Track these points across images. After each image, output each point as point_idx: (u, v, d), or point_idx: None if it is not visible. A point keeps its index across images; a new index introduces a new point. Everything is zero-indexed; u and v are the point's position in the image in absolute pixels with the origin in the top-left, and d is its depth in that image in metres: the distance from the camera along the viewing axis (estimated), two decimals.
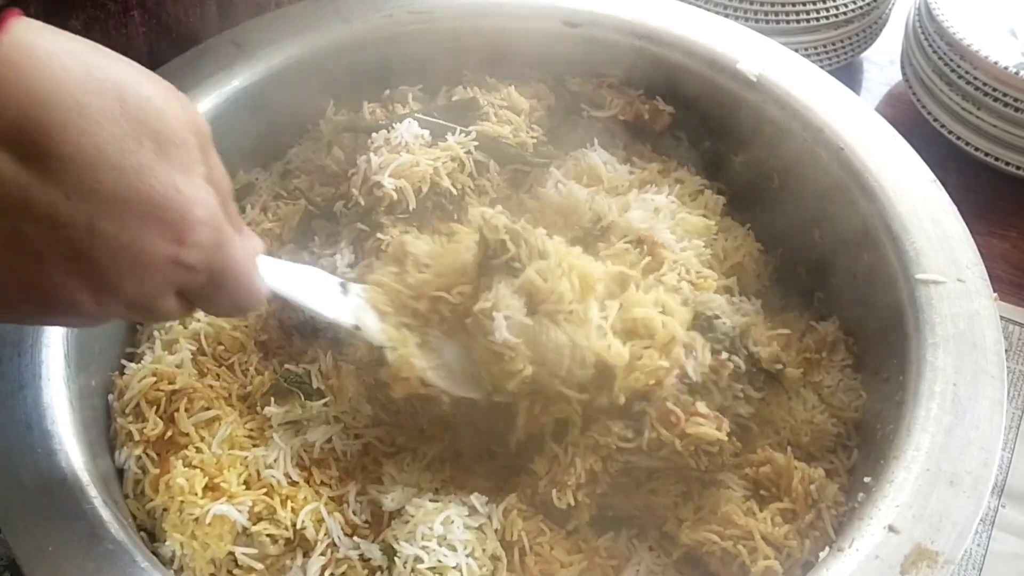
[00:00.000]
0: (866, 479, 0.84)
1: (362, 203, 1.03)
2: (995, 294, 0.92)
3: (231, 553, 0.88)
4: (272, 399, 0.97)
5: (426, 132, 1.07)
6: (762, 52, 1.13)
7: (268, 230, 1.09)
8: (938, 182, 1.00)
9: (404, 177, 1.03)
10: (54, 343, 0.89)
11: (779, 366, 0.98)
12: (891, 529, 0.75)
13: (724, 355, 0.94)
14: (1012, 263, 1.44)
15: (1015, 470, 1.22)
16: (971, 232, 1.46)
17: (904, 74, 1.61)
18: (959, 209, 1.49)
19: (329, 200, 1.09)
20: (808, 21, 1.56)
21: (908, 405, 0.84)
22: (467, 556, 0.85)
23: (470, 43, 1.19)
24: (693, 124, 1.21)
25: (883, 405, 0.92)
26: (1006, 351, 1.32)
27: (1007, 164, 1.48)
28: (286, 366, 1.00)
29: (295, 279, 0.87)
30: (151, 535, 0.90)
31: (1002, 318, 1.37)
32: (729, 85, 1.13)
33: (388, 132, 1.07)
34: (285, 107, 1.15)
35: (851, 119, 1.06)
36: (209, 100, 1.09)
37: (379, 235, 1.02)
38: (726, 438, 0.89)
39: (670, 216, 1.09)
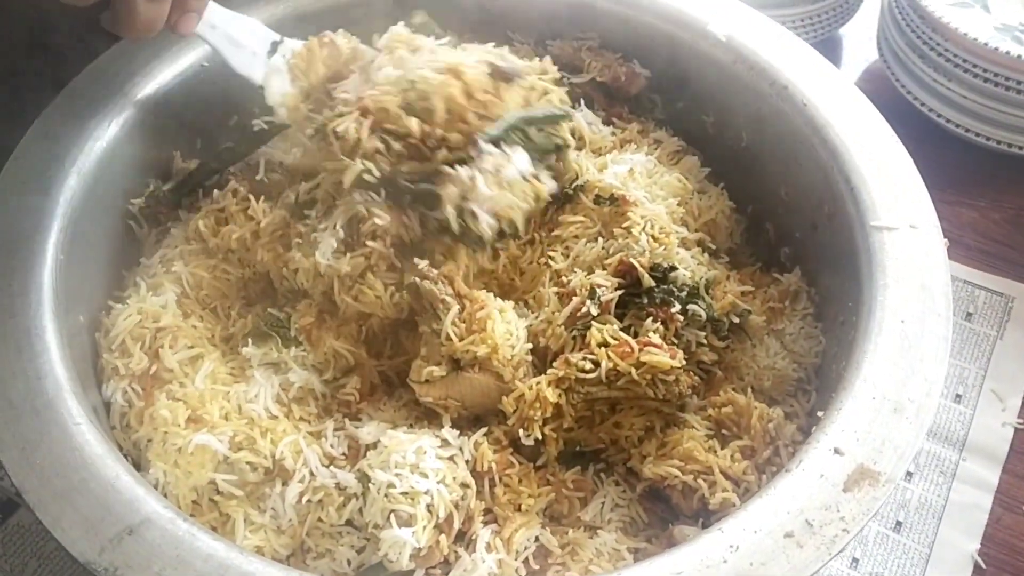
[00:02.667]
0: (819, 413, 0.87)
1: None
2: (946, 240, 0.96)
3: (212, 481, 0.92)
4: (251, 340, 1.00)
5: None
6: (731, 14, 1.17)
7: None
8: (896, 136, 1.04)
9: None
10: (43, 279, 0.93)
11: (736, 317, 1.02)
12: (836, 451, 0.79)
13: (677, 306, 0.98)
14: (980, 231, 1.48)
15: (976, 426, 1.26)
16: (942, 201, 1.49)
17: (880, 50, 1.65)
18: (932, 180, 1.54)
19: None
20: None
21: (858, 342, 0.88)
22: (438, 483, 0.88)
23: (451, 5, 1.22)
24: (667, 86, 1.25)
25: (838, 347, 0.96)
26: (971, 314, 1.38)
27: (978, 135, 1.52)
28: (269, 310, 1.04)
29: (229, 27, 0.97)
30: (137, 465, 0.94)
31: (968, 283, 1.42)
32: (700, 46, 1.17)
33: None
34: None
35: (815, 76, 1.10)
36: (196, 53, 1.13)
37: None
38: (680, 366, 0.93)
39: (647, 175, 1.14)
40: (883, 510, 1.18)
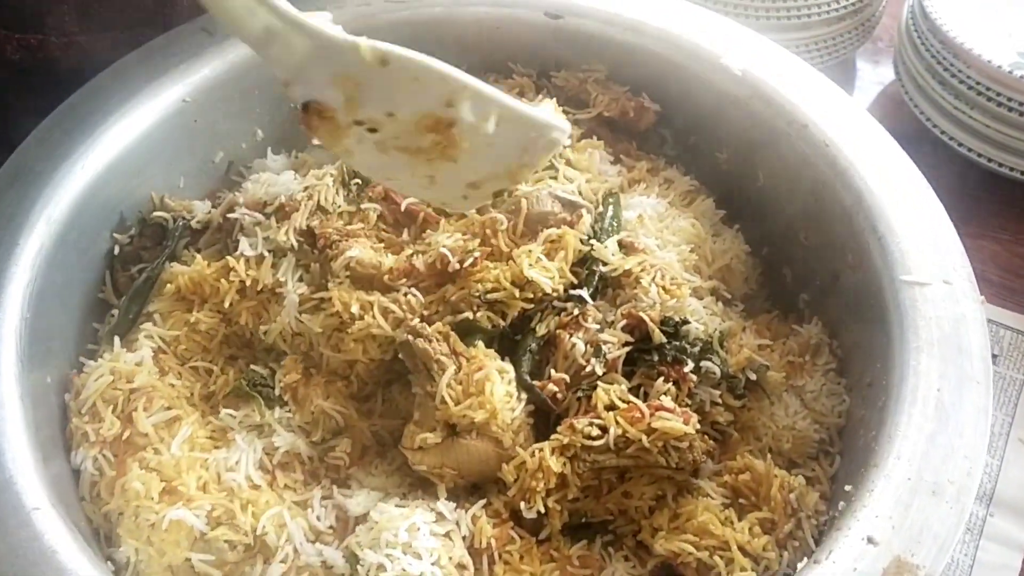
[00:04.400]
0: (847, 487, 0.81)
1: None
2: (982, 297, 0.89)
3: (188, 560, 0.85)
4: (232, 403, 0.94)
5: None
6: (747, 46, 1.11)
7: None
8: (926, 181, 0.97)
9: None
10: (6, 340, 0.86)
11: (752, 373, 0.96)
12: (870, 540, 0.73)
13: (690, 364, 0.91)
14: (1002, 266, 1.41)
15: (1004, 478, 1.19)
16: (962, 234, 1.43)
17: (897, 73, 1.58)
18: (950, 210, 1.47)
19: None
20: (800, 18, 1.54)
21: (890, 411, 0.81)
22: (432, 564, 0.82)
23: (451, 33, 1.16)
24: (678, 121, 1.18)
25: (866, 411, 0.89)
26: (996, 356, 1.31)
27: (1000, 165, 1.45)
28: (251, 367, 0.97)
29: None
30: (107, 538, 0.87)
31: (992, 322, 1.34)
32: (713, 80, 1.11)
33: None
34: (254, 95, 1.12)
35: (837, 115, 1.03)
36: (178, 89, 1.06)
37: None
38: (694, 432, 0.86)
39: (657, 219, 1.07)
40: None
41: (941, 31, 1.41)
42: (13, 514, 0.75)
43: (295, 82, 0.77)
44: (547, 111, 0.84)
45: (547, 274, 0.97)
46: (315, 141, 0.86)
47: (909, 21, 1.52)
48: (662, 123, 1.18)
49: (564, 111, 1.06)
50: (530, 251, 0.98)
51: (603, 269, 0.99)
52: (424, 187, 0.83)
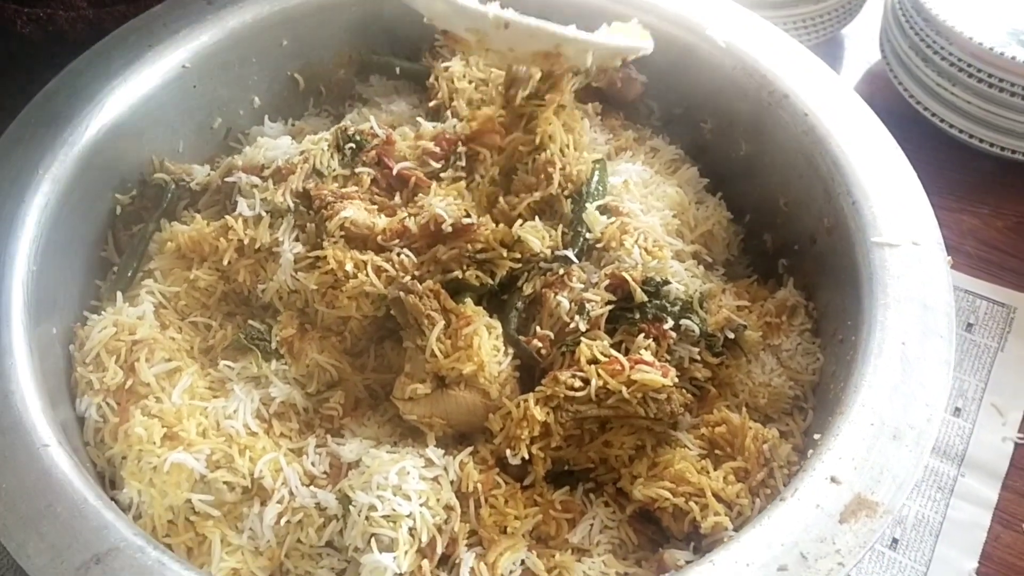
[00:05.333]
0: (816, 436, 0.85)
1: None
2: (949, 258, 0.93)
3: (189, 501, 0.89)
4: (230, 355, 0.98)
5: None
6: (732, 19, 1.14)
7: None
8: (900, 149, 1.01)
9: None
10: (14, 290, 0.90)
11: (731, 332, 1.00)
12: (833, 480, 0.77)
13: (670, 322, 0.95)
14: (981, 239, 1.45)
15: (976, 441, 1.24)
16: (943, 208, 1.46)
17: (882, 51, 1.61)
18: (932, 185, 1.50)
19: None
20: None
21: (857, 363, 0.85)
22: (421, 505, 0.86)
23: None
24: (664, 93, 1.22)
25: (837, 366, 0.93)
26: (971, 325, 1.35)
27: (980, 141, 1.48)
28: (249, 322, 1.01)
29: None
30: (111, 482, 0.91)
31: (969, 292, 1.38)
32: (699, 51, 1.14)
33: None
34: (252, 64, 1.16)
35: (817, 86, 1.07)
36: (178, 55, 1.10)
37: None
38: (672, 385, 0.90)
39: (643, 185, 1.11)
40: None
41: (925, 9, 1.44)
42: (23, 450, 0.78)
43: (436, 21, 1.01)
44: (633, 33, 1.08)
45: (537, 234, 1.01)
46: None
47: (895, 0, 1.56)
48: (649, 94, 1.22)
49: None
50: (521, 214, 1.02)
51: (588, 236, 1.03)
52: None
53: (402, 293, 0.95)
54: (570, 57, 1.01)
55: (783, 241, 1.12)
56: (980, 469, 1.21)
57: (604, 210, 1.05)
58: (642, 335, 0.95)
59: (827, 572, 0.71)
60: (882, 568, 1.13)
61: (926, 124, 1.52)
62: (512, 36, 0.99)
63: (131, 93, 1.07)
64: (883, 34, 1.61)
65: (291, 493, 0.89)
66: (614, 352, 0.93)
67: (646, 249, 1.01)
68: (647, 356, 0.92)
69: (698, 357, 0.98)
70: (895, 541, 1.16)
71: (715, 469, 0.92)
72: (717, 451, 0.94)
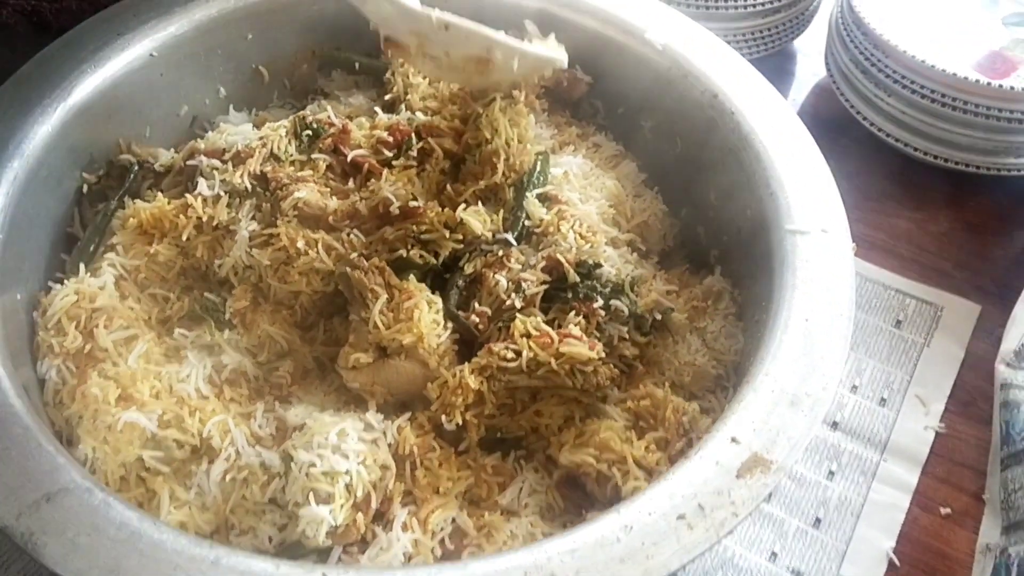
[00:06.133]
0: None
1: None
2: (854, 245, 1.00)
3: (140, 458, 0.94)
4: (187, 323, 1.03)
5: None
6: (669, 23, 1.22)
7: None
8: (814, 143, 1.08)
9: None
10: None
11: (659, 314, 1.06)
12: (733, 440, 0.83)
13: (600, 302, 1.01)
14: (913, 242, 1.53)
15: (899, 428, 1.30)
16: (880, 213, 1.56)
17: (827, 65, 1.69)
18: (872, 192, 1.58)
19: None
20: (737, 8, 1.64)
21: (765, 338, 0.92)
22: (358, 464, 0.91)
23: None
24: (608, 92, 1.29)
25: (752, 344, 1.00)
26: (900, 322, 1.43)
27: (916, 150, 1.56)
28: (205, 294, 1.07)
29: None
30: (68, 440, 0.96)
31: (900, 292, 1.46)
32: (639, 53, 1.21)
33: None
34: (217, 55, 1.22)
35: (745, 86, 1.14)
36: (146, 44, 1.16)
37: None
38: (597, 358, 0.96)
39: (582, 176, 1.18)
40: (804, 506, 1.22)
41: (864, 24, 1.52)
42: None
43: (380, 26, 1.11)
44: (551, 48, 1.16)
45: (479, 218, 1.07)
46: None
47: (838, 15, 1.64)
48: (594, 94, 1.29)
49: None
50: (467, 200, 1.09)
51: (527, 222, 1.10)
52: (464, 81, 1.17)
53: (349, 268, 1.01)
54: (499, 65, 1.10)
55: (714, 232, 1.19)
56: (901, 455, 1.27)
57: (544, 198, 1.12)
58: (573, 312, 1.02)
59: (721, 521, 0.78)
60: (805, 546, 1.20)
61: (867, 135, 1.60)
62: (450, 38, 1.08)
63: (100, 78, 1.12)
64: (828, 48, 1.70)
65: (237, 452, 0.94)
66: (546, 327, 0.99)
67: (581, 235, 1.08)
68: (575, 331, 0.99)
69: (627, 336, 1.05)
70: (818, 520, 1.22)
71: (639, 439, 0.97)
72: (641, 423, 1.00)
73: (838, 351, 0.89)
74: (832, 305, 0.93)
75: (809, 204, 1.01)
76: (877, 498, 1.24)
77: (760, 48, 1.71)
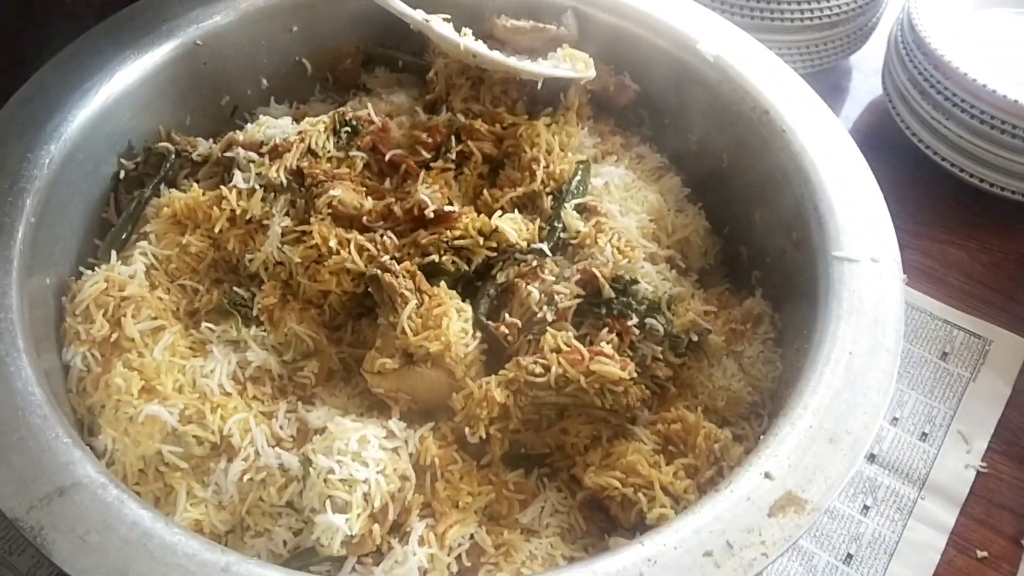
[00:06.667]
0: (761, 436, 0.88)
1: None
2: (905, 276, 0.96)
3: (159, 452, 0.93)
4: (214, 318, 1.02)
5: None
6: (722, 34, 1.18)
7: None
8: (869, 169, 1.04)
9: None
10: (12, 241, 0.94)
11: (695, 335, 1.03)
12: (767, 475, 0.80)
13: (634, 319, 0.98)
14: (966, 272, 1.47)
15: (939, 465, 1.26)
16: (931, 239, 1.51)
17: (884, 83, 1.64)
18: (923, 217, 1.53)
19: None
20: (793, 21, 1.60)
21: (805, 370, 0.88)
22: (378, 472, 0.89)
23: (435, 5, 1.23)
24: (655, 102, 1.25)
25: (791, 373, 0.96)
26: (947, 354, 1.38)
27: (971, 176, 1.51)
28: (234, 289, 1.06)
29: None
30: (89, 429, 0.96)
31: (948, 322, 1.41)
32: (689, 64, 1.18)
33: None
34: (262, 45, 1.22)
35: (796, 104, 1.10)
36: (191, 31, 1.15)
37: None
38: (629, 379, 0.93)
39: (623, 188, 1.14)
40: (835, 541, 1.18)
41: (924, 44, 1.47)
42: (3, 387, 0.83)
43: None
44: (580, 67, 1.18)
45: (514, 226, 1.05)
46: None
47: (898, 33, 1.59)
48: (641, 103, 1.26)
49: None
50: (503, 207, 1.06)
51: (563, 235, 1.07)
52: None
53: (379, 271, 0.99)
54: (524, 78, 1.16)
55: (757, 253, 1.15)
56: (940, 494, 1.23)
57: (583, 209, 1.09)
58: (606, 329, 0.99)
59: (750, 561, 0.74)
60: None
61: (922, 157, 1.55)
62: (479, 63, 1.15)
63: (143, 64, 1.12)
64: (885, 66, 1.65)
65: (257, 452, 0.93)
66: (576, 343, 0.97)
67: (619, 249, 1.04)
68: (607, 349, 0.96)
69: (661, 356, 1.01)
70: (850, 556, 1.18)
71: (667, 464, 0.94)
72: (671, 447, 0.97)
73: (883, 388, 0.85)
74: (878, 339, 0.89)
75: (859, 231, 0.97)
76: (913, 537, 1.20)
77: (815, 63, 1.66)
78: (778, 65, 1.15)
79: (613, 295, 1.01)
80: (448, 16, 1.16)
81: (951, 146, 1.51)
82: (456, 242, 1.03)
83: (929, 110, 1.51)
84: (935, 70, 1.48)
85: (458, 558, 0.90)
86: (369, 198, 1.08)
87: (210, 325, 1.01)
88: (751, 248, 1.17)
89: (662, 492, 0.92)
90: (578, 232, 1.06)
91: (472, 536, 0.92)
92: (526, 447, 0.98)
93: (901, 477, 1.24)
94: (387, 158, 1.12)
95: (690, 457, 0.95)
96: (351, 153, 1.12)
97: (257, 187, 1.07)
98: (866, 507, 1.22)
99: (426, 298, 0.98)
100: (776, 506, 0.77)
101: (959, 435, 1.29)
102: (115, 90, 1.09)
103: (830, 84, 1.75)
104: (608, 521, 0.95)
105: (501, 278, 1.03)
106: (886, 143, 1.61)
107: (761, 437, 0.88)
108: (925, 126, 1.53)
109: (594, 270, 1.02)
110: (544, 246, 1.04)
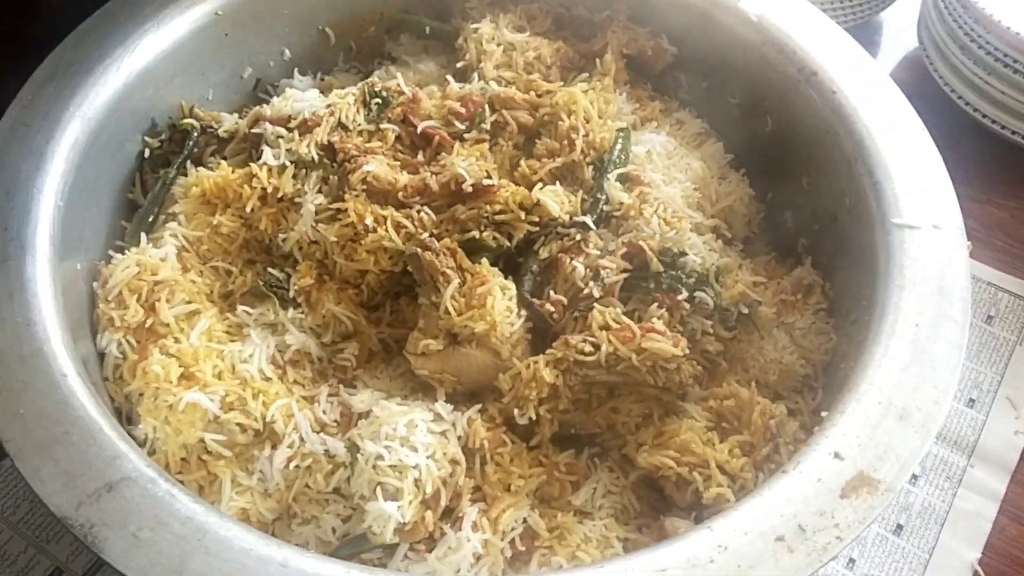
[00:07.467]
0: (823, 413, 0.85)
1: None
2: (969, 243, 0.92)
3: (202, 440, 0.90)
4: (248, 300, 0.99)
5: None
6: None
7: None
8: (926, 131, 1.00)
9: None
10: (41, 224, 0.91)
11: (745, 308, 1.00)
12: (836, 455, 0.77)
13: (684, 293, 0.95)
14: (1008, 232, 1.43)
15: (988, 432, 1.23)
16: (971, 199, 1.45)
17: (920, 38, 1.59)
18: (963, 175, 1.48)
19: None
20: None
21: (868, 343, 0.85)
22: (428, 458, 0.87)
23: None
24: (693, 65, 1.21)
25: (848, 345, 0.93)
26: (992, 317, 1.34)
27: (1013, 133, 1.46)
28: (268, 270, 1.02)
29: None
30: (128, 418, 0.93)
31: (991, 285, 1.37)
32: (729, 25, 1.13)
33: None
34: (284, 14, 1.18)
35: (846, 63, 1.06)
36: (211, 1, 1.11)
37: None
38: (682, 355, 0.90)
39: (666, 156, 1.10)
40: (885, 512, 1.16)
41: None
42: (43, 379, 0.80)
43: None
44: None
45: (556, 199, 1.01)
46: None
47: None
48: (677, 66, 1.21)
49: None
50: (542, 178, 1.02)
51: (606, 207, 1.03)
52: None
53: (419, 250, 0.96)
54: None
55: (804, 220, 1.11)
56: (990, 461, 1.20)
57: (625, 179, 1.05)
58: (655, 304, 0.96)
59: (824, 545, 0.72)
60: (885, 553, 1.14)
61: (960, 113, 1.50)
62: None
63: (164, 38, 1.08)
64: (921, 21, 1.59)
65: (301, 439, 0.91)
66: (626, 319, 0.93)
67: (665, 220, 1.01)
68: (659, 325, 0.93)
69: (711, 330, 0.99)
70: (900, 527, 1.16)
71: (721, 442, 0.92)
72: (724, 424, 0.94)
73: (952, 362, 0.82)
74: (944, 309, 0.86)
75: (919, 196, 0.94)
76: (963, 505, 1.17)
77: (848, 18, 1.61)
78: (825, 23, 1.10)
79: (661, 268, 0.98)
80: None
81: (992, 102, 1.46)
82: (497, 217, 1.00)
83: (970, 65, 1.46)
84: (976, 24, 1.43)
85: (511, 542, 0.88)
86: (404, 172, 1.04)
87: (247, 308, 0.98)
88: (797, 215, 1.13)
89: (718, 470, 0.89)
90: (621, 203, 1.03)
91: (525, 520, 0.89)
92: (575, 427, 0.96)
93: (949, 445, 1.22)
94: (419, 130, 1.08)
95: (745, 434, 0.92)
96: (382, 125, 1.08)
97: (287, 163, 1.04)
98: (915, 476, 1.19)
99: (468, 276, 0.95)
100: (848, 487, 0.75)
101: (1007, 401, 1.26)
102: (137, 66, 1.05)
103: (860, 39, 1.69)
104: (662, 501, 0.93)
105: (544, 253, 1.00)
106: (922, 99, 1.52)
107: (823, 414, 0.85)
108: (965, 81, 1.48)
109: (641, 243, 0.98)
110: (588, 219, 1.01)
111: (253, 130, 1.08)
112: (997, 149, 1.50)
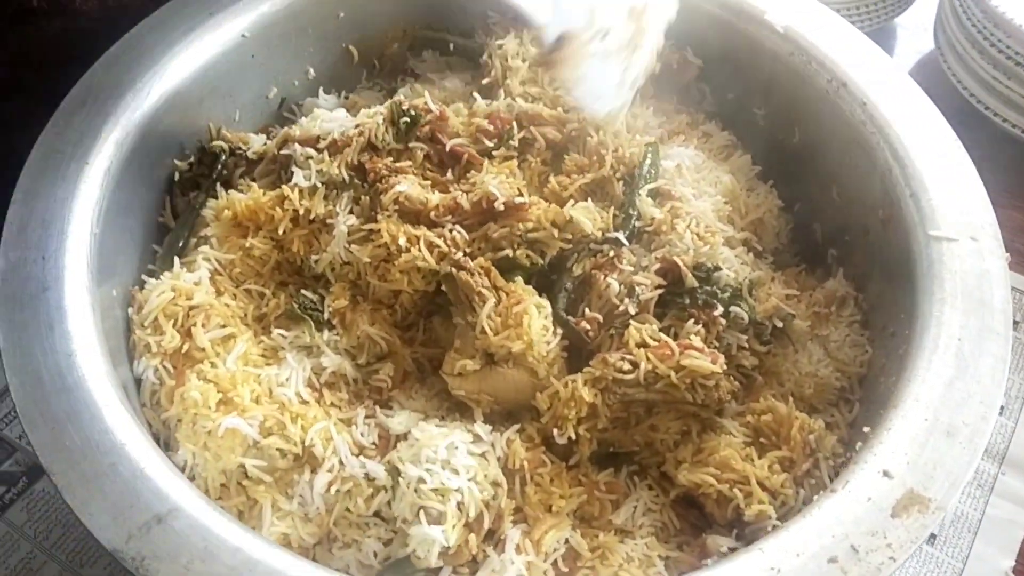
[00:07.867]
0: (865, 429, 0.85)
1: None
2: (1008, 254, 0.92)
3: (241, 465, 0.90)
4: (285, 323, 0.99)
5: None
6: (790, 3, 1.13)
7: None
8: (959, 141, 1.00)
9: None
10: (77, 251, 0.91)
11: (779, 321, 0.99)
12: (885, 474, 0.77)
13: (719, 309, 0.95)
14: None
15: (1017, 439, 1.23)
16: (992, 203, 1.46)
17: (936, 41, 1.59)
18: (982, 179, 1.49)
19: None
20: None
21: (911, 357, 0.85)
22: (469, 480, 0.87)
23: None
24: (718, 77, 1.21)
25: (887, 359, 0.93)
26: (1018, 323, 1.34)
27: None
28: (302, 291, 1.02)
29: None
30: (166, 444, 0.93)
31: (1015, 289, 1.37)
32: (755, 35, 1.13)
33: None
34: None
35: (876, 74, 1.05)
36: (238, 23, 1.11)
37: None
38: (720, 372, 0.90)
39: (695, 170, 1.10)
40: None
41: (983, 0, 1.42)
42: (86, 410, 0.80)
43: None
44: None
45: (588, 215, 1.01)
46: None
47: None
48: (702, 78, 1.21)
49: None
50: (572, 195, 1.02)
51: (637, 223, 1.03)
52: None
53: (454, 269, 0.96)
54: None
55: (833, 231, 1.11)
56: (1020, 468, 1.20)
57: (656, 194, 1.05)
58: (692, 320, 0.96)
59: (877, 566, 0.72)
60: (919, 563, 1.13)
61: (978, 117, 1.50)
62: None
63: (192, 60, 1.08)
64: (938, 24, 1.59)
65: (341, 462, 0.90)
66: (664, 336, 0.93)
67: (698, 235, 1.01)
68: (696, 342, 0.93)
69: (746, 345, 0.98)
70: (933, 537, 1.15)
71: (760, 458, 0.92)
72: (762, 439, 0.94)
73: (996, 375, 0.82)
74: (986, 322, 0.85)
75: (955, 208, 0.93)
76: (995, 514, 1.17)
77: (864, 23, 1.61)
78: (852, 32, 1.10)
79: (696, 284, 0.97)
80: None
81: (1011, 105, 1.46)
82: (530, 235, 0.99)
83: (988, 68, 1.46)
84: (994, 27, 1.43)
85: (554, 564, 0.88)
86: (435, 191, 1.04)
87: (282, 331, 0.98)
88: (826, 226, 1.13)
89: (759, 487, 0.89)
90: (653, 219, 1.02)
91: (567, 540, 0.89)
92: (614, 445, 0.96)
93: None
94: (448, 148, 1.08)
95: (784, 449, 0.92)
96: (411, 144, 1.08)
97: (318, 184, 1.03)
98: None
99: (504, 295, 0.95)
100: (899, 506, 0.75)
101: None
102: (166, 89, 1.05)
103: (878, 43, 1.69)
104: (702, 518, 0.93)
105: (578, 270, 1.00)
106: (938, 102, 1.55)
107: (864, 429, 0.85)
108: (982, 84, 1.49)
109: (675, 258, 0.98)
110: (620, 235, 1.00)
111: (282, 151, 1.08)
112: (1017, 153, 1.50)
